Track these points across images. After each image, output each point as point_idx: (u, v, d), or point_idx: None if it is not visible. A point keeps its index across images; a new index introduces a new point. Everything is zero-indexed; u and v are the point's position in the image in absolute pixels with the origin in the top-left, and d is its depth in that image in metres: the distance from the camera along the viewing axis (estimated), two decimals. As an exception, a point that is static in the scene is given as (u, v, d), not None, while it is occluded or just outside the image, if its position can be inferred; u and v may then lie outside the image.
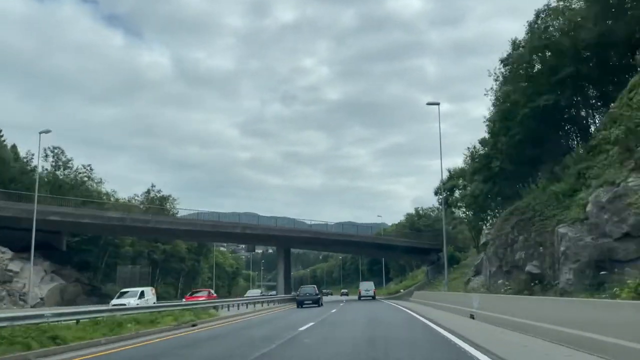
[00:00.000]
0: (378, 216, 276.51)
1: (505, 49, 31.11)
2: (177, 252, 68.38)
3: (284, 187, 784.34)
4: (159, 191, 66.65)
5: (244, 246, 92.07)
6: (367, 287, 55.86)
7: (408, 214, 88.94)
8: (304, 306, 36.89)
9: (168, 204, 67.23)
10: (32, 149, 53.78)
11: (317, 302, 37.72)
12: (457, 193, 55.25)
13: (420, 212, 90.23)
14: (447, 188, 54.11)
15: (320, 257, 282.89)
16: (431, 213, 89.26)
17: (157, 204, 64.72)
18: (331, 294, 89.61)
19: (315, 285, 47.43)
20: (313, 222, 52.48)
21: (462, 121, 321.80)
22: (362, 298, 53.70)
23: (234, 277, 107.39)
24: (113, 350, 11.74)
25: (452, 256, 56.87)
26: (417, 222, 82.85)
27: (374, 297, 53.69)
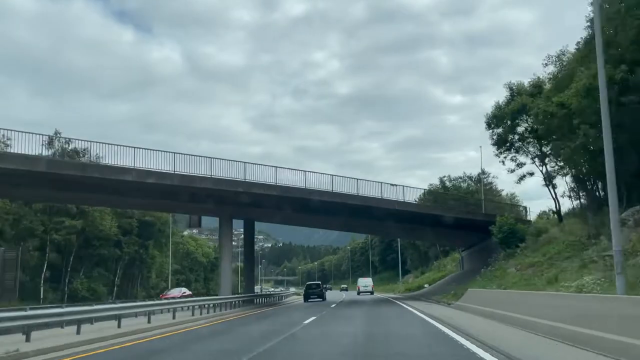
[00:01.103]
0: (393, 185, 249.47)
1: None
2: (102, 231, 46.43)
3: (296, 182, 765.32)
4: (68, 141, 44.30)
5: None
6: (365, 283, 56.89)
7: (431, 185, 66.01)
8: (310, 300, 40.82)
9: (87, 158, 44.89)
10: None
11: (321, 296, 42.21)
12: (524, 123, 32.13)
13: (447, 182, 67.38)
14: (509, 112, 31.14)
15: (331, 250, 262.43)
16: (462, 184, 66.47)
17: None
18: (330, 289, 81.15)
19: (320, 282, 53.57)
20: (279, 167, 30.09)
21: (475, 114, 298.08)
22: (360, 293, 53.91)
23: (213, 269, 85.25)
24: None
25: (512, 231, 34.27)
26: (442, 196, 60.09)
27: (372, 293, 54.23)
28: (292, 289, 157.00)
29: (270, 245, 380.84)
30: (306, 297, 42.35)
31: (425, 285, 49.85)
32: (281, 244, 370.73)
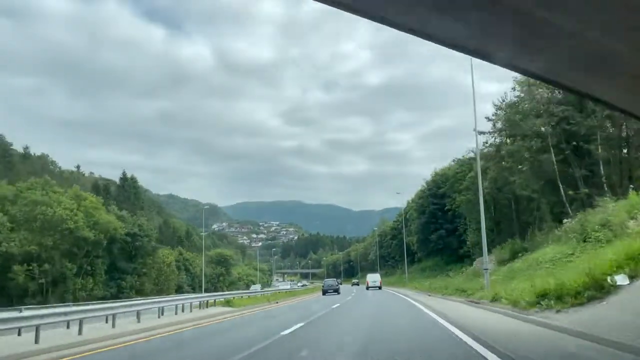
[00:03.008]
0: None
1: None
2: None
3: (329, 174, 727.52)
4: None
5: None
6: (374, 278, 57.38)
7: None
8: (327, 294, 44.81)
9: None
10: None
11: (337, 291, 46.97)
12: None
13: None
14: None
15: (361, 239, 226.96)
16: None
17: None
18: (341, 284, 66.18)
19: (335, 278, 66.76)
20: None
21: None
22: (369, 288, 53.54)
23: (133, 253, 48.93)
24: None
25: None
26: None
27: (380, 287, 54.07)
28: (302, 283, 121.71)
29: (296, 237, 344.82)
30: (324, 292, 47.41)
31: (619, 280, 11.90)
32: (308, 235, 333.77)
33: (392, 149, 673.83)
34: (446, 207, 56.83)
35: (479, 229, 27.08)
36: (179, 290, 60.24)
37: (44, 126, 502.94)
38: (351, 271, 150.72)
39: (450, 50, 5.92)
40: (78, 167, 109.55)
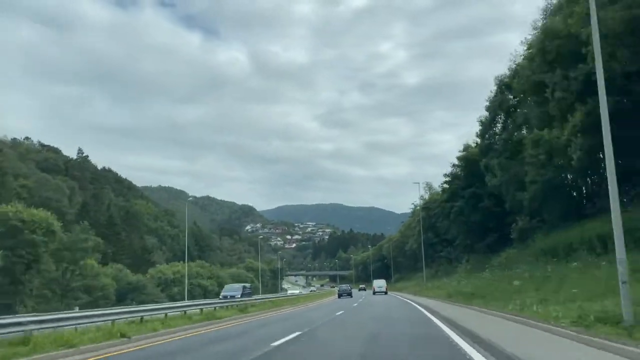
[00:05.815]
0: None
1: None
2: None
3: (369, 177, 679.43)
4: None
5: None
6: (379, 284, 59.91)
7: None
8: (341, 297, 51.99)
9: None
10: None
11: (350, 294, 54.26)
12: None
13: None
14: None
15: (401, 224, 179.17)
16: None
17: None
18: (352, 289, 64.62)
19: (349, 285, 67.53)
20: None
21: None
22: (375, 293, 57.08)
23: None
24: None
25: None
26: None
27: (385, 292, 56.90)
28: (311, 289, 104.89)
29: (327, 237, 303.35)
30: (339, 295, 54.81)
31: None
32: (340, 232, 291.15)
33: (433, 150, 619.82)
34: None
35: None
36: None
37: (86, 132, 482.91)
38: (385, 271, 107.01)
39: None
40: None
